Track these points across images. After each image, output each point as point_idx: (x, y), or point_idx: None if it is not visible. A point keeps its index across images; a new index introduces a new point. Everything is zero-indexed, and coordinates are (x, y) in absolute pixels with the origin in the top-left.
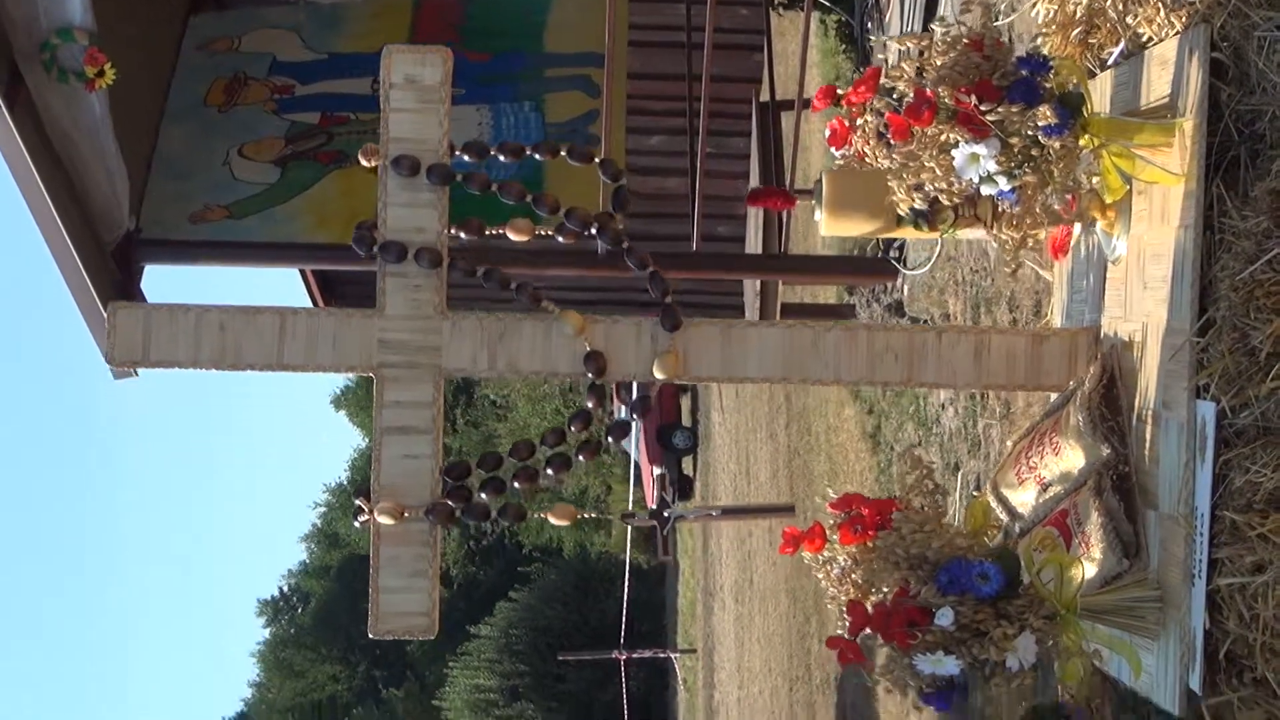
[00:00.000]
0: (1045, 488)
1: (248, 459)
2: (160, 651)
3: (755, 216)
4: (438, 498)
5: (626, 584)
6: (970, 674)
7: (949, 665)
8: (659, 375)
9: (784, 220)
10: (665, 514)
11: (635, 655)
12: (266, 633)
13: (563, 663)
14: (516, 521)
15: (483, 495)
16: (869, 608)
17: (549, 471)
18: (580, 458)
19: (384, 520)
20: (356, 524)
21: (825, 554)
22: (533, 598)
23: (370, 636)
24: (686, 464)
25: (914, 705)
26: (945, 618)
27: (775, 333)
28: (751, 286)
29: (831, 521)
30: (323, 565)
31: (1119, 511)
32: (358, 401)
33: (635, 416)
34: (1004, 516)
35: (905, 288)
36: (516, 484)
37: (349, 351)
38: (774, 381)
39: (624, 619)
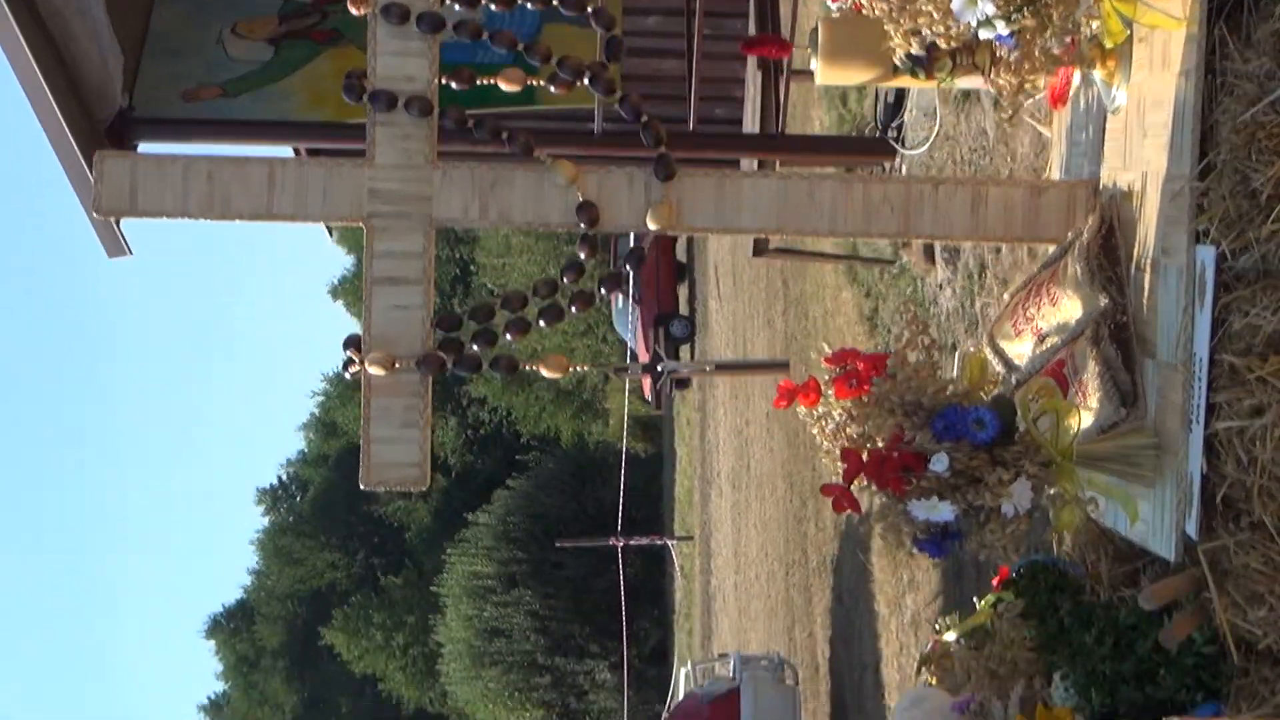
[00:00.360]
0: (1042, 339)
1: (246, 349)
2: (160, 540)
3: (752, 98)
4: (429, 348)
5: (623, 469)
6: (965, 520)
7: (944, 511)
8: (652, 226)
9: (781, 101)
10: (659, 367)
11: (632, 542)
12: (265, 521)
13: (560, 550)
14: (509, 373)
15: (474, 347)
16: (864, 456)
17: (541, 323)
18: (573, 309)
19: (375, 371)
20: (347, 375)
21: (820, 409)
22: (530, 486)
23: (362, 488)
24: (684, 352)
25: (908, 557)
26: (940, 463)
27: (770, 183)
28: (748, 167)
29: (826, 377)
30: (321, 454)
31: (1116, 360)
32: (355, 291)
33: (629, 267)
34: (1000, 369)
35: (903, 168)
36: (509, 336)
37: (338, 202)
38: (769, 232)
39: (621, 504)
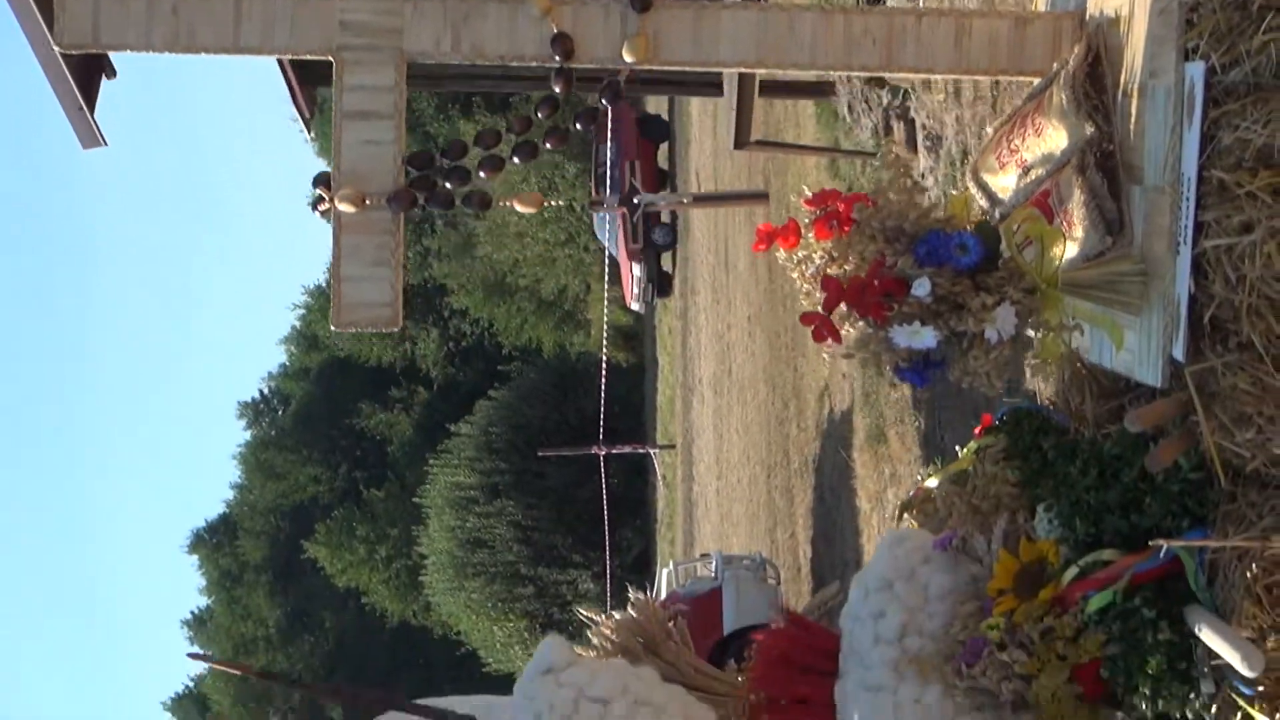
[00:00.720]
0: (1027, 171)
1: (227, 261)
2: (141, 455)
3: None
4: (400, 185)
5: (602, 372)
6: (948, 347)
7: (926, 337)
8: (628, 58)
9: None
10: (635, 200)
11: (615, 451)
12: (247, 435)
13: (542, 459)
14: (481, 209)
15: (448, 185)
16: (844, 284)
17: (515, 160)
18: (547, 145)
19: (345, 208)
20: (316, 213)
21: (800, 252)
22: (512, 396)
23: (333, 330)
24: (666, 260)
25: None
26: (922, 288)
27: (750, 15)
28: None
29: (807, 220)
30: (302, 368)
31: (1102, 189)
32: None
33: (605, 103)
34: (984, 203)
35: None
36: (482, 174)
37: (307, 33)
38: (748, 66)
39: (603, 409)
